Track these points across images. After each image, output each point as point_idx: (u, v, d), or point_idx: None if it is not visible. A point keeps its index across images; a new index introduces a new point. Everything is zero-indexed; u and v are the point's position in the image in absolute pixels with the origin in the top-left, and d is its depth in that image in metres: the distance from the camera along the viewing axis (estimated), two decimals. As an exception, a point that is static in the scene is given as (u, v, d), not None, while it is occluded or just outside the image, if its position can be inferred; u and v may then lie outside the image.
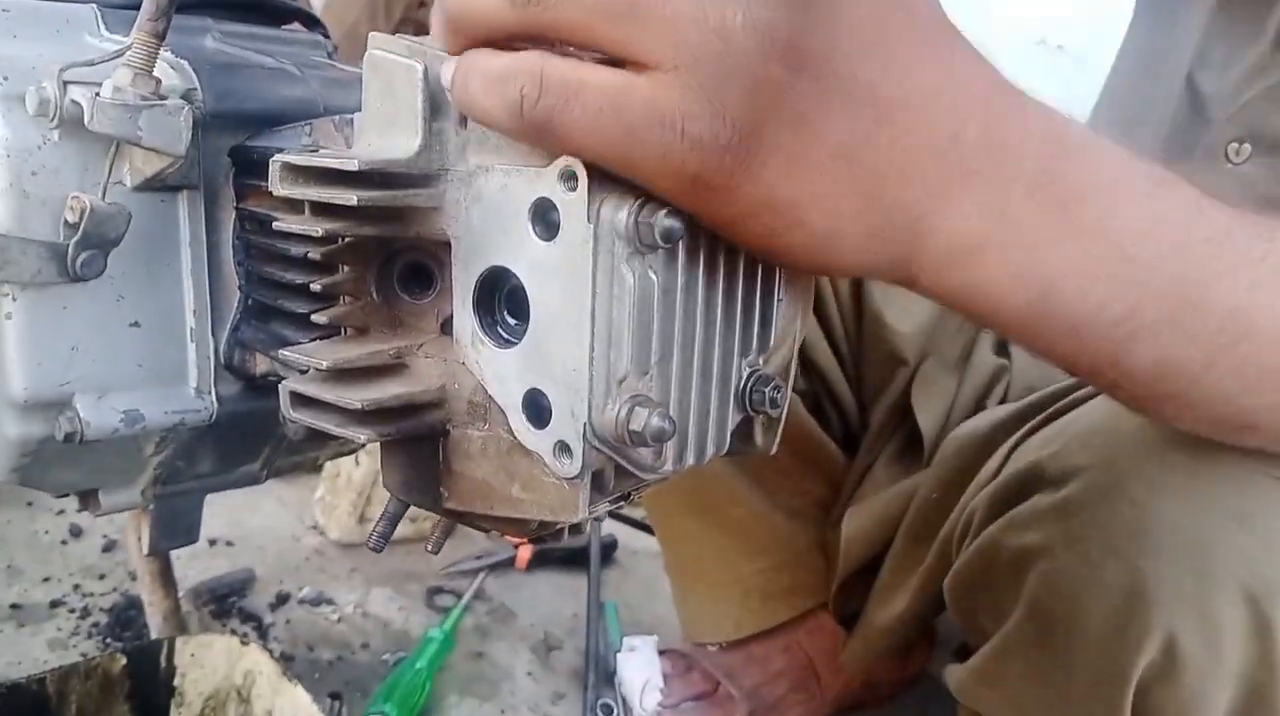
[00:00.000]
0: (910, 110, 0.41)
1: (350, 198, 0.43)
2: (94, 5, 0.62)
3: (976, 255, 0.44)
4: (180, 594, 1.03)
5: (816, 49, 0.39)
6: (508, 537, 1.49)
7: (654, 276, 0.42)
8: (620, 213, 0.41)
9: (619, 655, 1.21)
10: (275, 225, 0.49)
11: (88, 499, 0.69)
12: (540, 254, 0.42)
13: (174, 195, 0.60)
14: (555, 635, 1.33)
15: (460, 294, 0.46)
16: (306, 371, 0.48)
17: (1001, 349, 1.09)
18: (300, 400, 0.48)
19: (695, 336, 0.45)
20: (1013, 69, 0.46)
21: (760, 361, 0.50)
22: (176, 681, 0.90)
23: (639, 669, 1.18)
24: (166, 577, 0.99)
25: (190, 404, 0.62)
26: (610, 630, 1.31)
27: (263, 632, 1.24)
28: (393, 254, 0.49)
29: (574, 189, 0.40)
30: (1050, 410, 0.84)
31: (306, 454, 0.78)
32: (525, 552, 1.47)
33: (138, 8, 0.53)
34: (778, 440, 0.54)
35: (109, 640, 1.16)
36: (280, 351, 0.51)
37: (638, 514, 1.59)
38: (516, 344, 0.45)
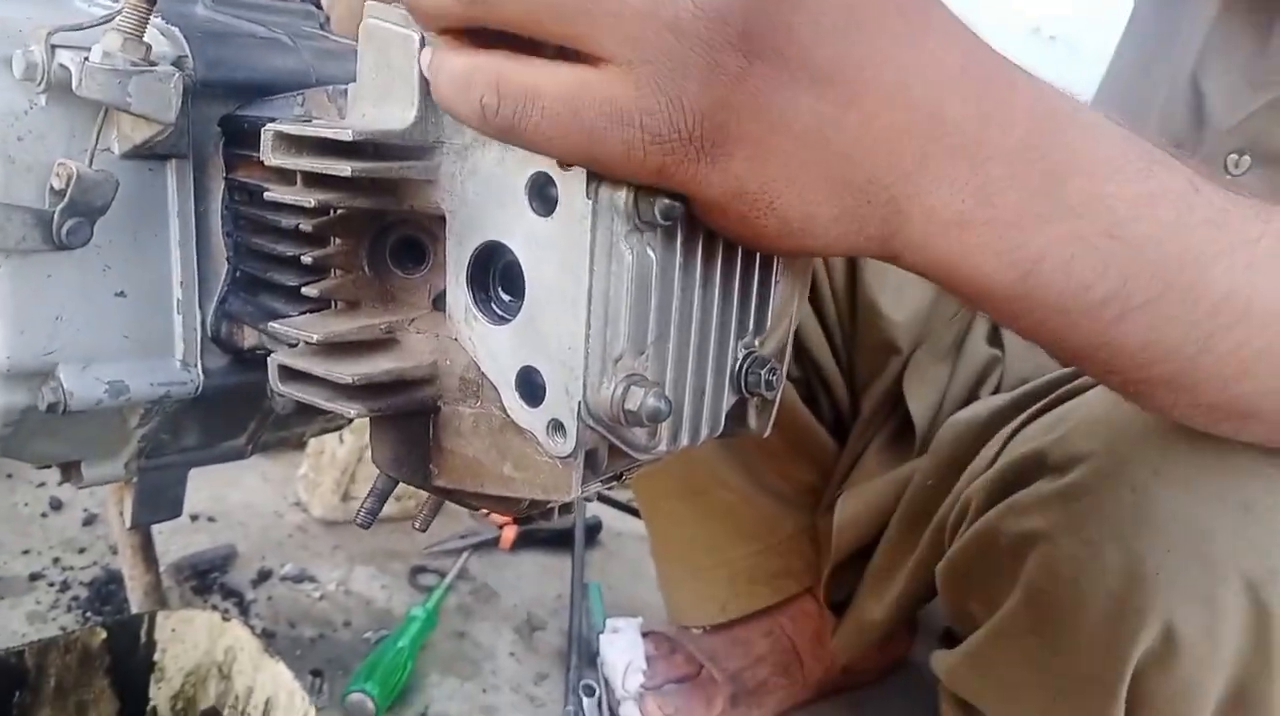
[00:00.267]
0: (880, 90, 0.41)
1: (344, 168, 0.43)
2: (83, -32, 0.61)
3: (956, 232, 0.43)
4: (161, 569, 1.02)
5: (773, 34, 0.38)
6: (494, 517, 1.48)
7: (652, 254, 0.42)
8: (619, 189, 0.40)
9: (602, 636, 1.21)
10: (266, 196, 0.48)
11: (70, 471, 0.68)
12: (537, 229, 0.42)
13: (162, 164, 0.59)
14: (538, 615, 1.33)
15: (454, 269, 0.46)
16: (296, 345, 0.47)
17: (994, 339, 1.09)
18: (289, 374, 0.47)
19: (693, 316, 0.45)
20: (1006, 59, 0.45)
21: (756, 343, 0.50)
22: (157, 656, 0.89)
23: (622, 650, 1.18)
24: (148, 552, 0.98)
25: (176, 376, 0.61)
26: (594, 611, 1.31)
27: (244, 609, 1.23)
28: (385, 227, 0.48)
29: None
30: (1049, 398, 0.84)
31: (293, 429, 0.77)
32: (509, 533, 1.46)
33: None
34: (771, 422, 0.53)
35: (89, 614, 1.16)
36: (269, 324, 0.50)
37: (623, 496, 1.59)
38: (511, 320, 0.44)
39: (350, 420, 0.62)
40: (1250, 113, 0.82)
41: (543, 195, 0.42)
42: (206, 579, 1.27)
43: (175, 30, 0.58)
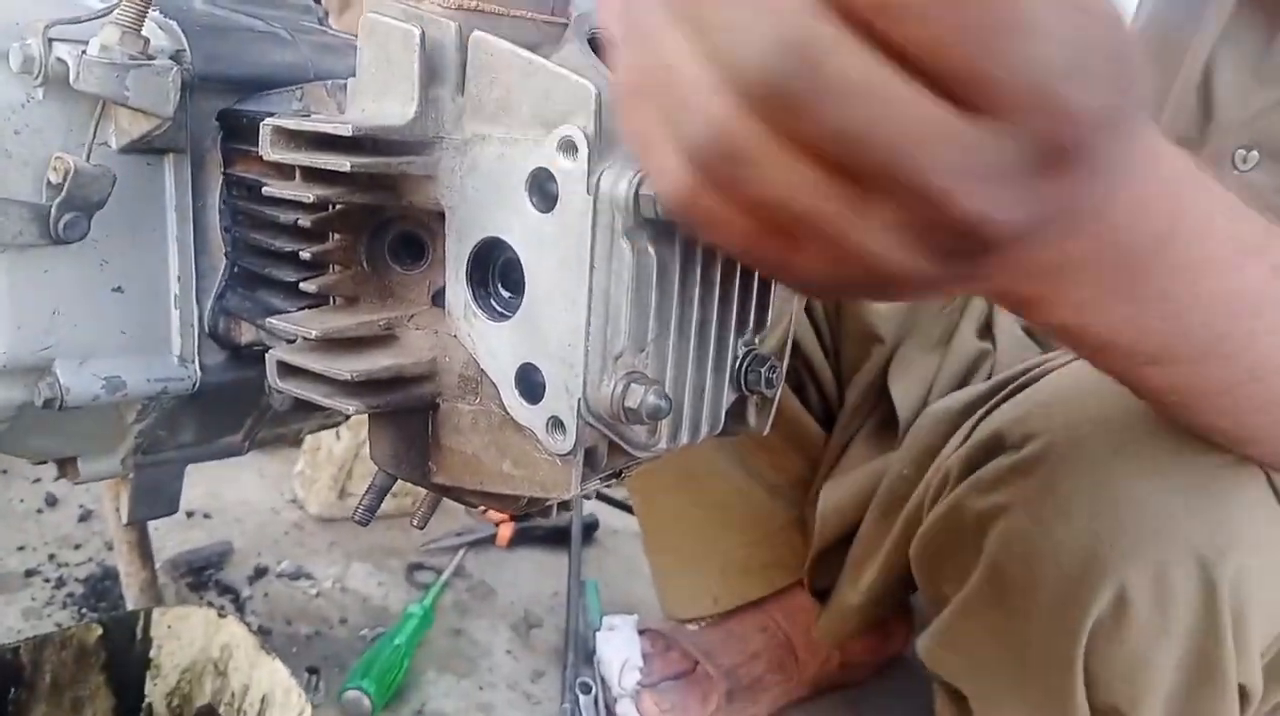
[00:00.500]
0: None
1: (343, 163, 0.43)
2: (80, -39, 0.61)
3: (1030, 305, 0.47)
4: (157, 565, 1.02)
5: None
6: (490, 515, 1.48)
7: (653, 251, 0.41)
8: (620, 184, 0.40)
9: (599, 634, 1.21)
10: (265, 190, 0.48)
11: (66, 466, 0.68)
12: (537, 225, 0.42)
13: (160, 158, 0.59)
14: (535, 613, 1.33)
15: (453, 265, 0.45)
16: (294, 340, 0.47)
17: (985, 332, 1.09)
18: (287, 370, 0.47)
19: (693, 314, 0.45)
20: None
21: (756, 341, 0.50)
22: (153, 653, 0.89)
23: (618, 647, 1.18)
24: (143, 548, 0.98)
25: (173, 372, 0.61)
26: (590, 609, 1.30)
27: (240, 606, 1.23)
28: (384, 223, 0.48)
29: (574, 159, 0.40)
30: (1016, 383, 0.85)
31: (290, 425, 0.77)
32: (506, 530, 1.46)
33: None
34: (771, 420, 0.53)
35: (84, 610, 1.15)
36: (268, 319, 0.50)
37: (619, 494, 1.59)
38: (510, 317, 0.44)
39: (347, 416, 0.62)
40: (1259, 109, 0.83)
41: (543, 191, 0.41)
42: (202, 575, 1.27)
43: (173, 24, 0.58)
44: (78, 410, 0.58)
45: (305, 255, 0.48)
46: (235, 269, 0.61)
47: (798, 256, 0.33)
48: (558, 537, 1.47)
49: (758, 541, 1.17)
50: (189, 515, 1.39)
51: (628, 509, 1.54)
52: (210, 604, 1.20)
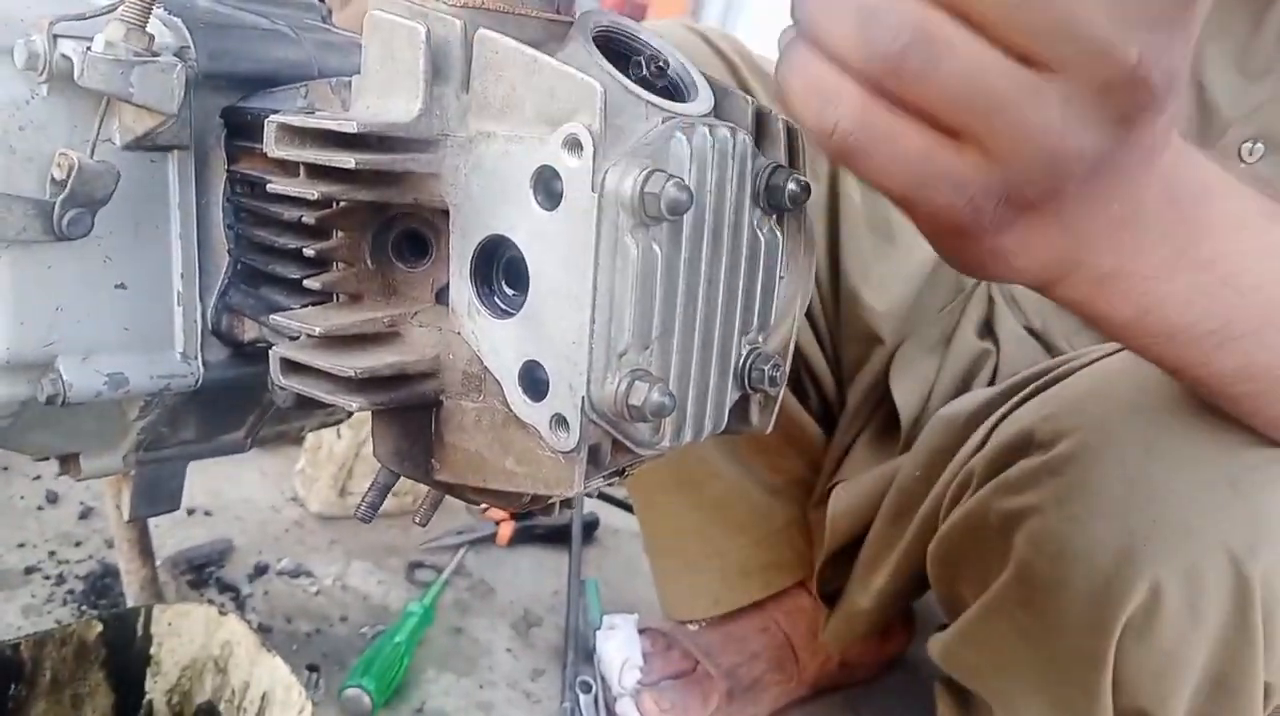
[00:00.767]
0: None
1: (348, 160, 0.43)
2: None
3: (1101, 281, 0.48)
4: (158, 563, 1.02)
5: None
6: (491, 513, 1.48)
7: (658, 249, 0.42)
8: (625, 182, 0.40)
9: (599, 633, 1.21)
10: (269, 188, 0.48)
11: (68, 463, 0.68)
12: (541, 223, 0.42)
13: (164, 155, 0.58)
14: (535, 612, 1.33)
15: (457, 262, 0.45)
16: (297, 337, 0.47)
17: (986, 333, 1.09)
18: (291, 367, 0.47)
19: (697, 312, 0.45)
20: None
21: (760, 339, 0.50)
22: (153, 650, 0.89)
23: (619, 647, 1.18)
24: (144, 545, 0.98)
25: (176, 368, 0.61)
26: (590, 608, 1.30)
27: (240, 603, 1.23)
28: (388, 220, 0.48)
29: (579, 156, 0.40)
30: (1037, 383, 0.85)
31: (292, 423, 0.77)
32: (506, 529, 1.46)
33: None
34: (774, 419, 0.53)
35: (84, 607, 1.15)
36: (271, 316, 0.50)
37: (620, 493, 1.59)
38: (514, 315, 0.44)
39: (349, 414, 0.62)
40: (1260, 101, 0.83)
41: (548, 188, 0.41)
42: (203, 573, 1.27)
43: (178, 21, 0.58)
44: (80, 406, 0.58)
45: (309, 252, 0.48)
46: (239, 266, 0.61)
47: (964, 161, 0.38)
48: (558, 536, 1.47)
49: (757, 542, 1.17)
50: (190, 512, 1.39)
51: (628, 508, 1.54)
52: (211, 601, 1.20)
